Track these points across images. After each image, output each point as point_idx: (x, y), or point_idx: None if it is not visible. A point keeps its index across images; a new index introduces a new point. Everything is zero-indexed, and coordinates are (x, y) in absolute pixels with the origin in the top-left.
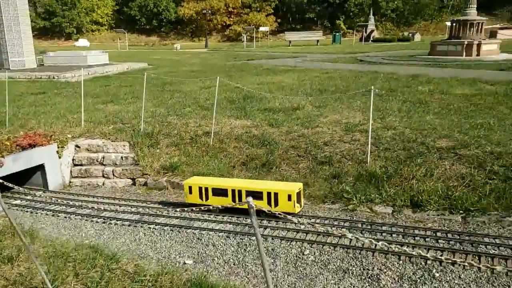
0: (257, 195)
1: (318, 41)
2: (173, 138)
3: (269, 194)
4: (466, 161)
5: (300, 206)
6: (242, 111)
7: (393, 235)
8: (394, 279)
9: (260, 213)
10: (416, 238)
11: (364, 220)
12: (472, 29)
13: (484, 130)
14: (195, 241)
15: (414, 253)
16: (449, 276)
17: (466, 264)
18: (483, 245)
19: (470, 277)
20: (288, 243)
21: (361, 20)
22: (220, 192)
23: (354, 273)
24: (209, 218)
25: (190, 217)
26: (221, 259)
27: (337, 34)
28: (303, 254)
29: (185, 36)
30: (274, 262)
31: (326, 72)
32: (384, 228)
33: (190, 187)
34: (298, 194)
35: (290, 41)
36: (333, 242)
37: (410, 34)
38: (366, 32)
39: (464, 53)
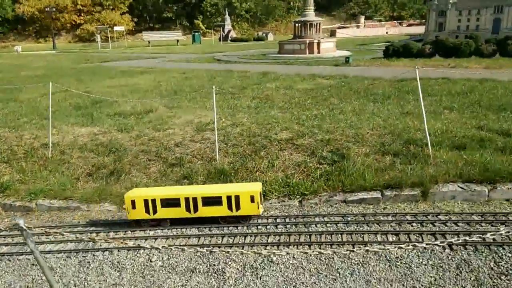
0: (215, 200)
1: (178, 41)
2: (2, 154)
3: (229, 198)
4: (302, 150)
5: (262, 207)
6: (89, 117)
7: (238, 228)
8: (238, 270)
9: (218, 219)
10: (258, 227)
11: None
12: (312, 29)
13: (317, 120)
14: (29, 268)
15: (256, 241)
16: (285, 258)
17: (299, 244)
18: (313, 225)
19: (302, 257)
20: (135, 253)
21: (218, 20)
22: (171, 202)
23: (201, 271)
24: (46, 240)
25: (21, 242)
26: (60, 282)
27: (197, 34)
28: (150, 261)
29: (28, 36)
30: (120, 276)
31: (183, 73)
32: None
33: (133, 201)
34: (260, 194)
35: (149, 42)
36: (181, 244)
37: (264, 34)
38: (224, 32)
39: (307, 51)
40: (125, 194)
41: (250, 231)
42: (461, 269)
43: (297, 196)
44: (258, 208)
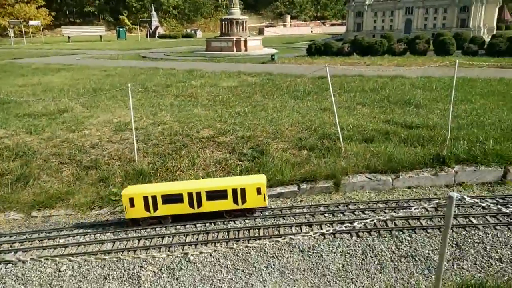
0: (220, 194)
1: (101, 37)
2: None
3: (234, 191)
4: (223, 147)
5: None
6: None
7: (157, 229)
8: (154, 272)
9: (222, 214)
10: (177, 227)
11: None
12: (238, 27)
13: (240, 117)
14: None
15: (173, 242)
16: (202, 256)
17: (215, 242)
18: (232, 222)
19: (219, 254)
20: (42, 263)
21: (144, 16)
22: (173, 198)
23: (115, 277)
24: None
25: None
26: None
27: (122, 29)
28: (59, 271)
29: None
30: None
31: (105, 70)
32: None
33: (131, 199)
34: (264, 186)
35: (69, 37)
36: (94, 250)
37: (193, 31)
38: (151, 28)
39: (235, 49)
40: (122, 192)
41: (167, 232)
42: (366, 254)
43: None
44: (265, 200)
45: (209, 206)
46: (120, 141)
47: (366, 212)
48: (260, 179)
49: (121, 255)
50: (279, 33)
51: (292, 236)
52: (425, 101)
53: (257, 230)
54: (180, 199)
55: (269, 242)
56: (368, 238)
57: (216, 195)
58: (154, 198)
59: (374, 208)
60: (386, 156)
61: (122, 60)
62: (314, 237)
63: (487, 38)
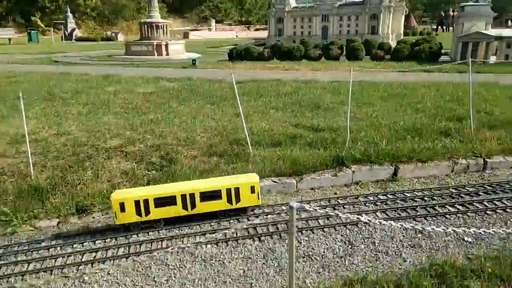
0: (214, 194)
1: (10, 39)
2: None
3: (228, 190)
4: (131, 157)
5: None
6: None
7: (56, 248)
8: None
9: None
10: (74, 245)
11: (25, 240)
12: (159, 30)
13: (152, 125)
14: None
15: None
16: (98, 276)
17: (114, 258)
18: (135, 235)
19: (116, 271)
20: None
21: (59, 18)
22: (165, 201)
23: None
24: None
25: None
26: None
27: (33, 32)
28: None
29: None
30: None
31: (7, 77)
32: (43, 244)
33: (121, 204)
34: (258, 184)
35: None
36: None
37: (113, 34)
38: (67, 30)
39: (156, 53)
40: (111, 196)
41: (63, 252)
42: (267, 258)
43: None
44: (258, 198)
45: (203, 207)
46: (15, 155)
47: (269, 216)
48: (253, 178)
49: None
50: (204, 37)
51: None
52: (333, 104)
53: (159, 242)
54: (173, 202)
55: (172, 253)
56: (269, 242)
57: (210, 195)
58: (146, 201)
59: (279, 211)
60: (292, 160)
61: (31, 65)
62: (217, 245)
63: (394, 44)
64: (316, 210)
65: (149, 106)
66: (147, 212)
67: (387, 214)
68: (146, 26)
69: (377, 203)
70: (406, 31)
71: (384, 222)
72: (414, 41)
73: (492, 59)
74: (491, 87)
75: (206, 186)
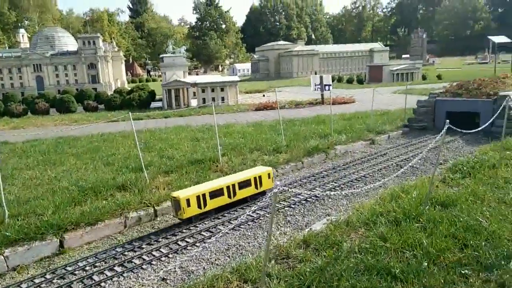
0: (246, 183)
1: None
2: None
3: (255, 179)
4: None
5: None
6: None
7: None
8: None
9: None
10: None
11: None
12: None
13: None
14: None
15: None
16: None
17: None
18: None
19: None
20: None
21: None
22: (217, 193)
23: None
24: None
25: None
26: None
27: None
28: None
29: None
30: None
31: None
32: None
33: (187, 200)
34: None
35: None
36: None
37: None
38: None
39: None
40: (175, 195)
41: None
42: None
43: None
44: (273, 181)
45: (240, 194)
46: None
47: None
48: (267, 168)
49: None
50: None
51: None
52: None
53: None
54: (222, 193)
55: None
56: None
57: (244, 184)
58: (204, 196)
59: None
60: None
61: None
62: None
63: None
64: None
65: None
66: (205, 204)
67: None
68: None
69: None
70: (133, 78)
71: None
72: (129, 89)
73: (194, 103)
74: (180, 130)
75: (241, 177)
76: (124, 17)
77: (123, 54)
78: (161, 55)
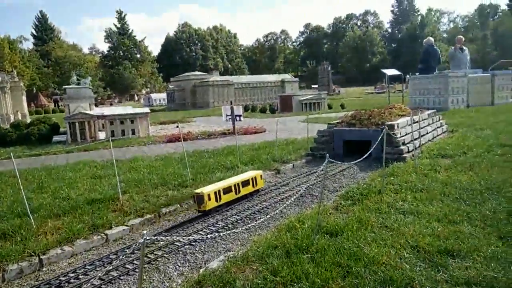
0: (247, 182)
1: None
2: None
3: (252, 179)
4: None
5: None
6: None
7: None
8: None
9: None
10: None
11: None
12: None
13: None
14: None
15: None
16: None
17: None
18: None
19: None
20: None
21: None
22: (227, 190)
23: None
24: None
25: None
26: None
27: None
28: None
29: None
30: None
31: None
32: None
33: (209, 195)
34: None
35: None
36: None
37: None
38: None
39: None
40: (198, 192)
41: None
42: None
43: None
44: (263, 182)
45: (243, 191)
46: None
47: None
48: (260, 171)
49: None
50: None
51: None
52: None
53: None
54: (230, 190)
55: None
56: None
57: (245, 183)
58: (219, 192)
59: None
60: None
61: None
62: None
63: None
64: None
65: None
66: (220, 199)
67: None
68: None
69: None
70: (37, 109)
71: None
72: (29, 122)
73: (102, 135)
74: (82, 166)
75: (243, 178)
76: (28, 44)
77: (24, 84)
78: (64, 86)
